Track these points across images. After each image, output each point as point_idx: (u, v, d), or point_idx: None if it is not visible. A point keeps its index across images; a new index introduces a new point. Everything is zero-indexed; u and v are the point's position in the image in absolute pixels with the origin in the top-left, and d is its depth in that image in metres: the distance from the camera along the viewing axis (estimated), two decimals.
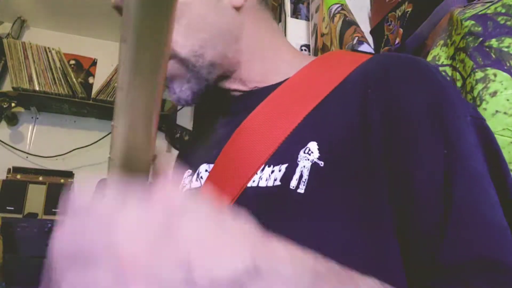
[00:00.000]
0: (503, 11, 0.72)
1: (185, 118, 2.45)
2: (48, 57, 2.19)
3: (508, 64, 0.69)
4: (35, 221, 1.76)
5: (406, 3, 1.05)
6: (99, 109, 2.23)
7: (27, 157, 2.15)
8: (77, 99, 2.16)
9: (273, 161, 0.43)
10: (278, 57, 0.55)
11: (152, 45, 0.21)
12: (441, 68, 0.82)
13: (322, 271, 0.27)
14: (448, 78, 0.81)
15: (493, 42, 0.71)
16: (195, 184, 0.51)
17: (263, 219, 0.41)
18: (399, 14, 1.08)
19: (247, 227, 0.26)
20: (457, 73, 0.78)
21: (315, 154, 0.40)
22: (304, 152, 0.41)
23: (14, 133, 2.19)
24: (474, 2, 0.81)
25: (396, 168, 0.37)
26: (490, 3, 0.74)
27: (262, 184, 0.42)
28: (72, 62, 2.37)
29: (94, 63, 2.43)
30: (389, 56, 0.46)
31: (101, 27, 2.32)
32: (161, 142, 2.42)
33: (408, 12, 1.04)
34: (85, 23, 2.31)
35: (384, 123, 0.38)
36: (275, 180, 0.41)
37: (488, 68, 0.70)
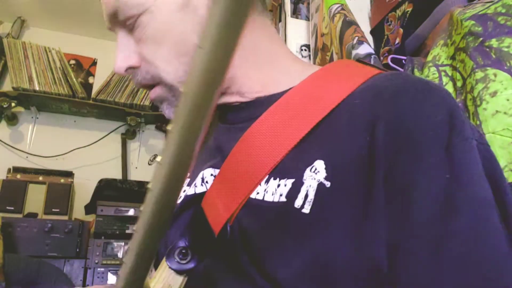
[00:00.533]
0: (503, 11, 0.72)
1: None
2: (48, 57, 2.19)
3: (508, 64, 0.69)
4: (35, 221, 1.76)
5: (406, 3, 1.05)
6: (99, 109, 2.23)
7: (27, 157, 2.15)
8: (77, 99, 2.16)
9: (278, 173, 0.43)
10: (277, 65, 0.53)
11: (226, 54, 0.23)
12: (441, 68, 0.82)
13: None
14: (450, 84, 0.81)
15: (493, 42, 0.71)
16: (200, 188, 0.50)
17: (268, 235, 0.41)
18: (399, 14, 1.08)
19: None
20: (457, 73, 0.78)
21: (322, 174, 0.40)
22: (311, 171, 0.41)
23: (14, 133, 2.19)
24: (474, 2, 0.81)
25: (395, 189, 0.37)
26: (490, 3, 0.74)
27: (268, 198, 0.42)
28: (72, 62, 2.37)
29: (94, 63, 2.43)
30: (401, 77, 0.45)
31: (101, 27, 2.31)
32: (161, 142, 2.42)
33: (408, 12, 1.04)
34: (85, 23, 2.32)
35: (390, 145, 0.38)
36: (280, 195, 0.41)
37: (488, 68, 0.70)
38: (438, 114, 0.38)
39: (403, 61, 0.95)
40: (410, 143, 0.37)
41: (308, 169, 0.41)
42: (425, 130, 0.38)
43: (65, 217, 1.89)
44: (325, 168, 0.40)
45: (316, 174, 0.40)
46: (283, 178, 0.42)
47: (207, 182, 0.50)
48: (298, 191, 0.40)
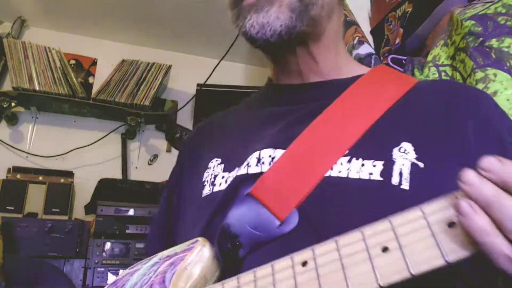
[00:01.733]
0: (503, 11, 0.72)
1: (185, 118, 2.45)
2: (48, 57, 2.18)
3: (508, 64, 0.69)
4: (35, 221, 1.76)
5: (406, 3, 1.05)
6: (99, 109, 2.23)
7: (27, 157, 2.15)
8: (77, 99, 2.16)
9: (359, 154, 0.45)
10: (344, 53, 0.59)
11: None
12: (441, 68, 0.82)
13: None
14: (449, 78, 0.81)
15: (493, 42, 0.71)
16: (255, 169, 0.48)
17: (363, 211, 0.41)
18: (399, 14, 1.08)
19: None
20: (457, 73, 0.78)
21: (412, 155, 0.43)
22: (399, 151, 0.43)
23: (14, 133, 2.19)
24: (474, 2, 0.81)
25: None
26: (490, 3, 0.74)
27: (353, 175, 0.43)
28: (72, 62, 2.37)
29: (94, 63, 2.43)
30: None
31: (101, 27, 2.31)
32: (161, 142, 2.42)
33: (408, 12, 1.04)
34: (85, 23, 2.31)
35: (475, 133, 0.44)
36: (370, 174, 0.43)
37: (488, 68, 0.70)
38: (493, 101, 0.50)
39: (403, 61, 0.95)
40: (491, 128, 0.45)
41: (396, 149, 0.44)
42: (498, 114, 0.48)
43: (65, 217, 1.89)
44: (414, 150, 0.43)
45: (406, 155, 0.43)
46: (369, 159, 0.44)
47: (263, 163, 0.48)
48: (392, 170, 0.43)
